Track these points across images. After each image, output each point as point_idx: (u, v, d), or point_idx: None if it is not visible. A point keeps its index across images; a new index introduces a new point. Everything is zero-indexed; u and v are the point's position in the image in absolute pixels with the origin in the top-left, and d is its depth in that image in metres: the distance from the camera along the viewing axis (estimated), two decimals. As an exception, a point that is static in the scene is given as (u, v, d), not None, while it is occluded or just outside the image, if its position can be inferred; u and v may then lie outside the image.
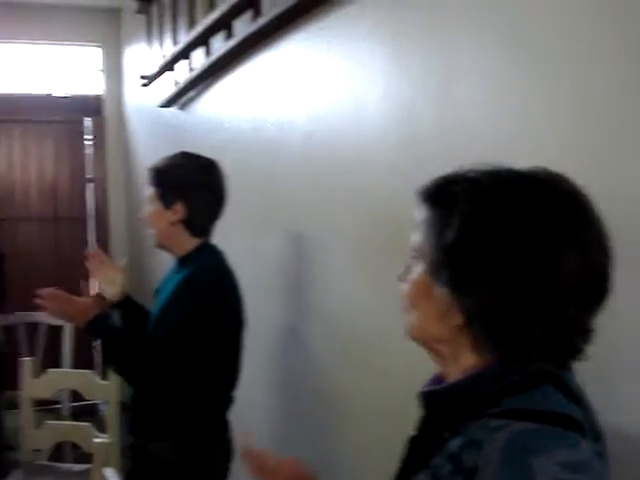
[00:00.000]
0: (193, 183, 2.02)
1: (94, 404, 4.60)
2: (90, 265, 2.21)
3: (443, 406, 0.90)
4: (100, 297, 2.14)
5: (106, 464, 2.13)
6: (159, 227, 2.06)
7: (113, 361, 2.05)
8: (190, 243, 2.05)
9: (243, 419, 2.20)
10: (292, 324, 2.21)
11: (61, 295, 2.03)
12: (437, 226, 0.87)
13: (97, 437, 2.71)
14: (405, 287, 0.94)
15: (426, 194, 0.91)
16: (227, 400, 2.08)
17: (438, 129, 1.41)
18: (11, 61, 5.09)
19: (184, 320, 1.91)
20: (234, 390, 2.08)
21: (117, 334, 2.04)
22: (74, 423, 2.93)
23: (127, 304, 2.19)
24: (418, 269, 0.92)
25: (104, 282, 2.17)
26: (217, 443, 2.05)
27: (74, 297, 2.03)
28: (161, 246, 2.12)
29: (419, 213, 0.91)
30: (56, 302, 2.02)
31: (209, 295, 1.93)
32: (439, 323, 0.89)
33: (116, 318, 2.18)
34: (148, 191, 2.08)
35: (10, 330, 3.64)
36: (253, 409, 2.41)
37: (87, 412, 4.32)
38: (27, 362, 3.03)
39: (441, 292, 0.87)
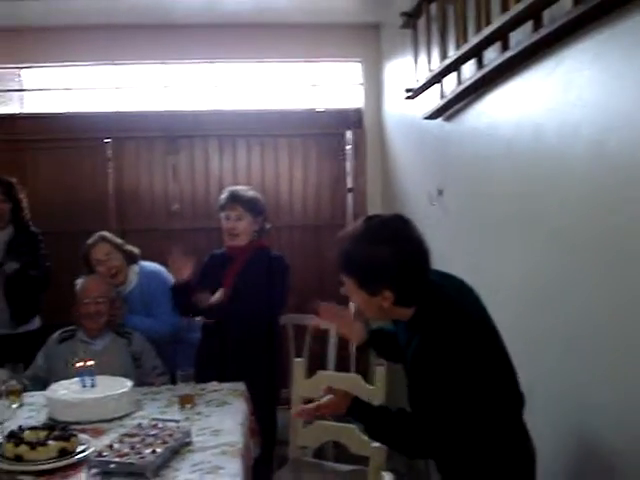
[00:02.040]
0: (392, 266, 1.84)
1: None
2: (324, 318, 2.28)
3: None
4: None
5: (380, 468, 2.20)
6: (371, 311, 1.97)
7: (384, 442, 2.05)
8: (409, 311, 1.93)
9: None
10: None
11: (334, 309, 2.19)
12: None
13: (363, 440, 2.81)
14: None
15: None
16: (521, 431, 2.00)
17: None
18: (278, 79, 5.46)
19: (440, 393, 1.82)
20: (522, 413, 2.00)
21: (378, 415, 2.00)
22: (342, 424, 3.05)
23: (373, 339, 2.23)
24: None
25: (343, 329, 2.22)
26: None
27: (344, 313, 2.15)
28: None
29: None
30: (330, 314, 2.17)
31: (453, 361, 1.81)
32: None
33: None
34: (344, 278, 1.96)
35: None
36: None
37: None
38: (298, 363, 3.21)
39: None
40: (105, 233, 3.78)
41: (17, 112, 5.52)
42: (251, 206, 3.51)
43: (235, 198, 3.51)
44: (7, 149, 5.40)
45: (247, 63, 5.44)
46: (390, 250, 1.83)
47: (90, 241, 3.72)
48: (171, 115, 5.43)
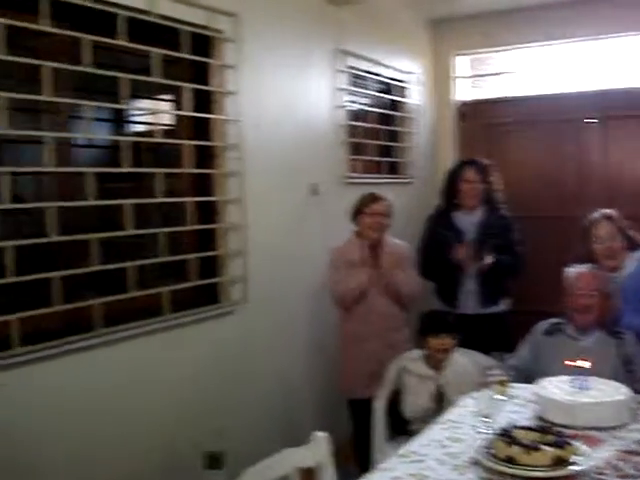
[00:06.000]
0: None
1: None
2: None
3: None
4: None
5: None
6: None
7: None
8: None
9: None
10: None
11: None
12: None
13: None
14: None
15: None
16: None
17: None
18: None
19: None
20: None
21: None
22: None
23: None
24: None
25: None
26: None
27: None
28: None
29: None
30: None
31: None
32: None
33: None
34: None
35: None
36: None
37: None
38: None
39: None
40: (611, 212, 3.58)
41: (493, 96, 5.54)
42: None
43: None
44: (485, 132, 5.46)
45: None
46: None
47: (593, 217, 3.57)
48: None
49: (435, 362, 3.42)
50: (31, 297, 2.64)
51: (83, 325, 2.76)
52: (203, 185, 3.44)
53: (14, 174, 2.54)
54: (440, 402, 3.26)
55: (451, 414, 2.70)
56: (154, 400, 3.06)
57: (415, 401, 3.36)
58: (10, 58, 2.44)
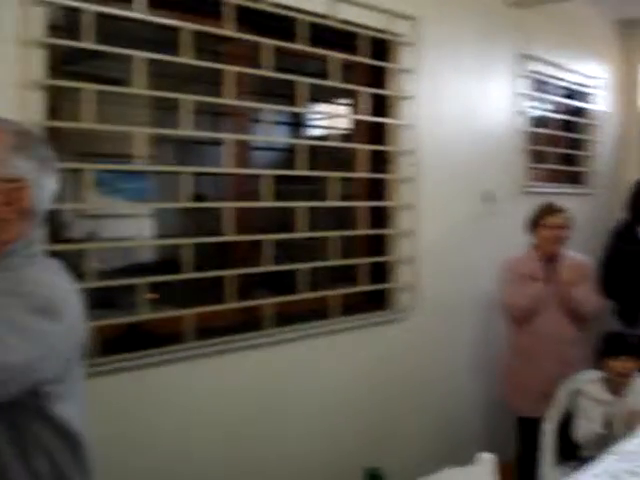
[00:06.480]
0: None
1: None
2: None
3: None
4: None
5: None
6: None
7: None
8: None
9: None
10: None
11: None
12: None
13: None
14: None
15: None
16: None
17: None
18: None
19: None
20: None
21: None
22: None
23: None
24: None
25: None
26: None
27: None
28: None
29: None
30: None
31: None
32: None
33: None
34: None
35: None
36: None
37: None
38: None
39: None
40: None
41: None
42: None
43: None
44: None
45: None
46: None
47: None
48: None
49: (615, 386, 3.18)
50: (206, 294, 2.73)
51: (254, 323, 2.82)
52: (376, 190, 3.42)
53: (196, 174, 2.63)
54: (617, 430, 3.03)
55: (629, 445, 2.49)
56: (315, 403, 3.08)
57: (589, 426, 3.15)
58: (196, 62, 2.54)
